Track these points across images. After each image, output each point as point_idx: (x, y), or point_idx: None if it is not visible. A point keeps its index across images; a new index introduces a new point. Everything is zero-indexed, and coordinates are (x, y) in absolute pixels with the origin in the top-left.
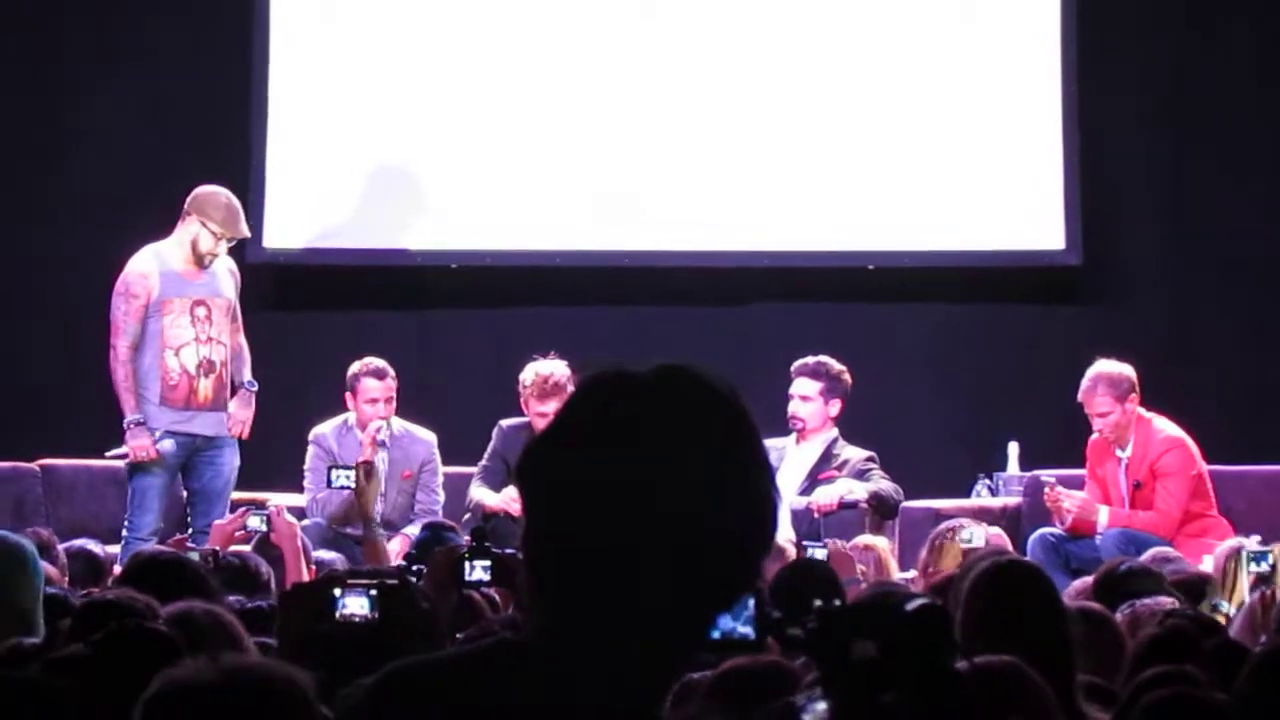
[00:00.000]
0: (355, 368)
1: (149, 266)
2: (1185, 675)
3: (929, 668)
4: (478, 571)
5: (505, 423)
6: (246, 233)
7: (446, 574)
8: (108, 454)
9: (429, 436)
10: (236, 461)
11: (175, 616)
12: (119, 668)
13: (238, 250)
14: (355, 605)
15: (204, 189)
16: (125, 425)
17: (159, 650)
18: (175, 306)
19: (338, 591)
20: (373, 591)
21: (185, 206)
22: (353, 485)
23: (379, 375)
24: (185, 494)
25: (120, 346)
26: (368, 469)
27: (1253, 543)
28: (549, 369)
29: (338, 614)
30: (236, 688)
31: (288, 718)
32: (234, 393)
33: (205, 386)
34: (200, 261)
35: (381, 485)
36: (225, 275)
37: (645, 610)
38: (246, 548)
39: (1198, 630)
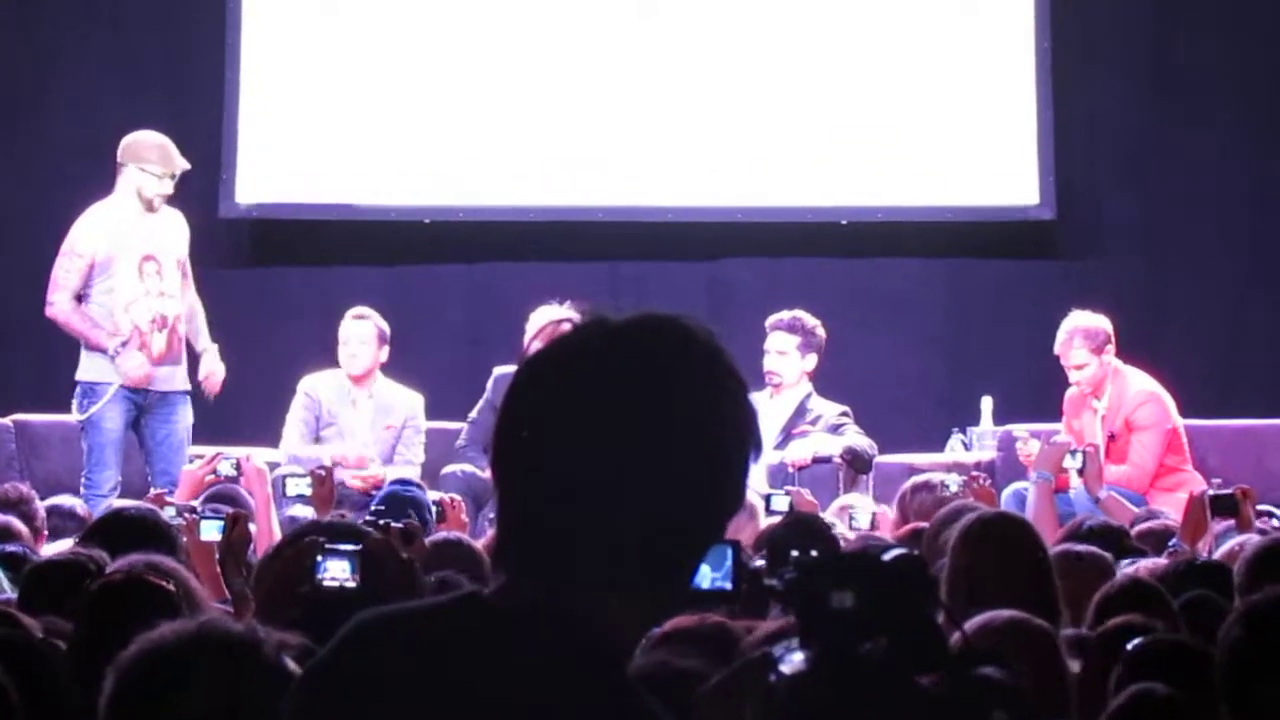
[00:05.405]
0: None
1: (95, 225)
2: (1150, 625)
3: (907, 618)
4: (333, 571)
5: (500, 370)
6: (185, 164)
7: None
8: (77, 419)
9: (415, 396)
10: (190, 418)
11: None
12: (112, 620)
13: (210, 205)
14: (336, 569)
15: (130, 136)
16: (110, 355)
17: (153, 602)
18: (124, 263)
19: (319, 556)
20: (354, 556)
21: (118, 159)
22: (308, 494)
23: (355, 316)
24: (144, 452)
25: (60, 300)
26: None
27: (1215, 488)
28: (561, 314)
29: (318, 578)
30: (197, 648)
31: (250, 677)
32: (191, 354)
33: (158, 342)
34: (150, 206)
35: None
36: (174, 230)
37: (614, 563)
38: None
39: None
